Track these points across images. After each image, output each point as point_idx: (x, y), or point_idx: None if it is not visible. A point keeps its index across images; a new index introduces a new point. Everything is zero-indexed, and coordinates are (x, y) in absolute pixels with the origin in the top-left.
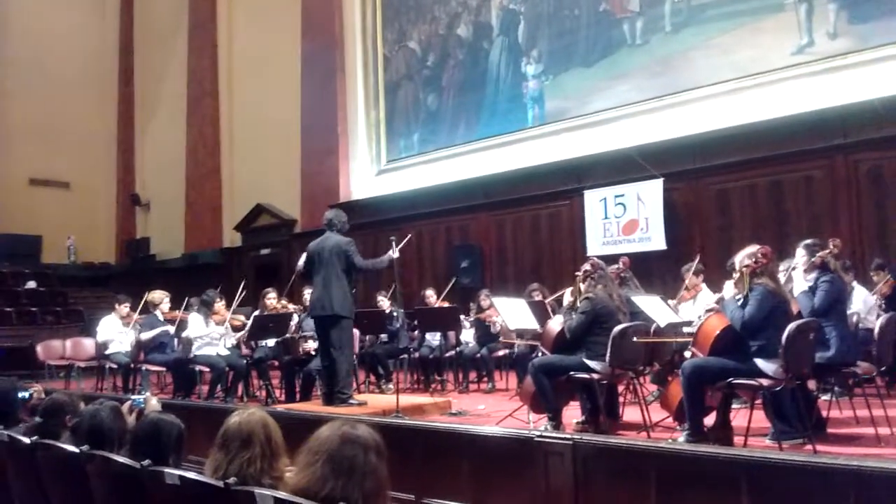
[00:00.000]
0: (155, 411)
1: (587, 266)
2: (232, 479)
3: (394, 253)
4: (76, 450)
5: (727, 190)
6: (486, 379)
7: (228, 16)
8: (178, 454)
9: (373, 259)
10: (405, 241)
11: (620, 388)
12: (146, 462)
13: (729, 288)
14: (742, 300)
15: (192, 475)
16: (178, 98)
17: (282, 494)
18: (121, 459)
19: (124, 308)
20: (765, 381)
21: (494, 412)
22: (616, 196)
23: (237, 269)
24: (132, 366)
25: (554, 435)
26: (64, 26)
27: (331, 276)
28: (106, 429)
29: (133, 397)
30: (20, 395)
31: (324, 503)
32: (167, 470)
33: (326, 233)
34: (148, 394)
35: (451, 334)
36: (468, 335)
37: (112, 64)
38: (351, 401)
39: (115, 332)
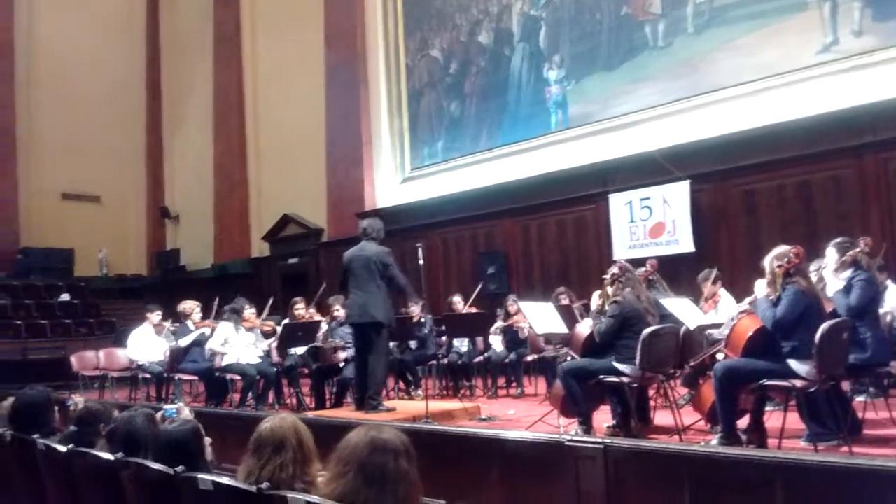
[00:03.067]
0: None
1: (615, 269)
2: (265, 484)
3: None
4: (111, 457)
5: (754, 191)
6: (515, 384)
7: (252, 29)
8: (202, 453)
9: (409, 286)
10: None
11: (651, 392)
12: (180, 468)
13: (761, 288)
14: (774, 300)
15: (225, 480)
16: (204, 111)
17: (314, 499)
18: (155, 466)
19: (156, 317)
20: (798, 383)
21: (524, 417)
22: (642, 199)
23: (266, 279)
24: (165, 375)
25: (584, 439)
26: (91, 44)
27: (370, 283)
28: (141, 436)
29: (165, 407)
30: (68, 403)
31: None
32: (200, 476)
33: (363, 242)
34: (181, 404)
35: (479, 340)
36: (496, 341)
37: (139, 79)
38: (381, 407)
39: (147, 342)
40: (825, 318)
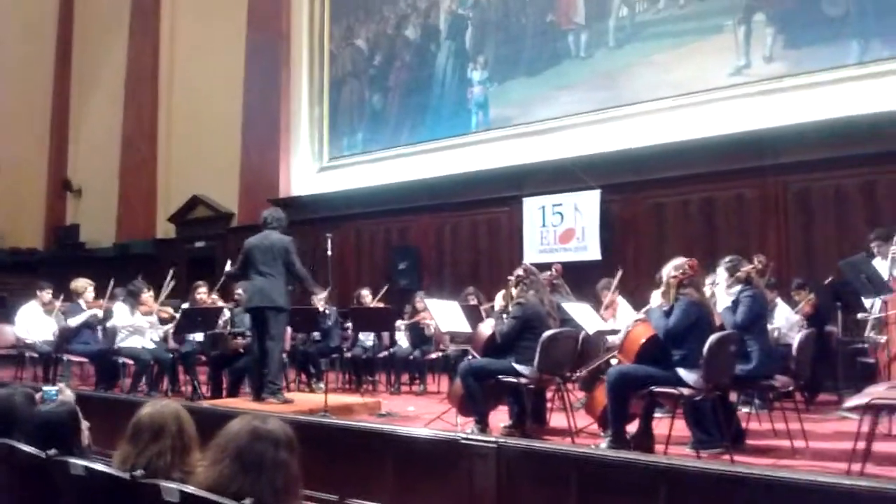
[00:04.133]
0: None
1: (519, 271)
2: (139, 472)
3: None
4: None
5: (662, 204)
6: (418, 381)
7: (172, 0)
8: (77, 437)
9: (309, 277)
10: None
11: (549, 394)
12: (52, 451)
13: (656, 298)
14: (668, 310)
15: (99, 466)
16: (116, 83)
17: (188, 488)
18: (26, 448)
19: (46, 295)
20: (685, 391)
21: (424, 414)
22: (554, 205)
23: (170, 262)
24: (54, 355)
25: (479, 438)
26: None
27: (272, 269)
28: (18, 415)
29: (45, 388)
30: None
31: (232, 499)
32: (72, 460)
33: (265, 231)
34: (62, 385)
35: (385, 335)
36: (402, 337)
37: (49, 43)
38: (279, 394)
39: (36, 320)
40: (715, 330)
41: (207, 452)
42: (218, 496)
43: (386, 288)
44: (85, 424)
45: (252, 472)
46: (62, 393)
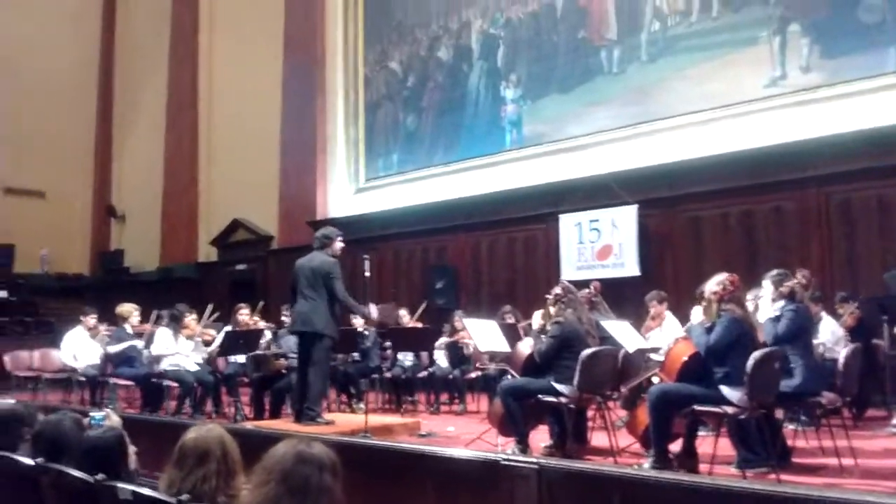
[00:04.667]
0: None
1: (557, 290)
2: (185, 496)
3: (372, 314)
4: (31, 462)
5: (700, 218)
6: (457, 401)
7: (210, 29)
8: (124, 462)
9: (353, 300)
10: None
11: (590, 413)
12: (100, 476)
13: (697, 314)
14: (709, 327)
15: (145, 491)
16: (157, 110)
17: None
18: (75, 473)
19: (91, 320)
20: (729, 409)
21: (464, 434)
22: (591, 221)
23: (212, 285)
24: (100, 379)
25: (520, 458)
26: (42, 33)
27: (314, 293)
28: (66, 441)
29: (92, 413)
30: None
31: None
32: (120, 485)
33: (314, 251)
34: (109, 410)
35: (424, 355)
36: (441, 356)
37: (92, 73)
38: (319, 419)
39: (82, 345)
40: (758, 347)
41: (252, 475)
42: None
43: (424, 307)
44: (132, 449)
45: (297, 496)
46: (109, 418)
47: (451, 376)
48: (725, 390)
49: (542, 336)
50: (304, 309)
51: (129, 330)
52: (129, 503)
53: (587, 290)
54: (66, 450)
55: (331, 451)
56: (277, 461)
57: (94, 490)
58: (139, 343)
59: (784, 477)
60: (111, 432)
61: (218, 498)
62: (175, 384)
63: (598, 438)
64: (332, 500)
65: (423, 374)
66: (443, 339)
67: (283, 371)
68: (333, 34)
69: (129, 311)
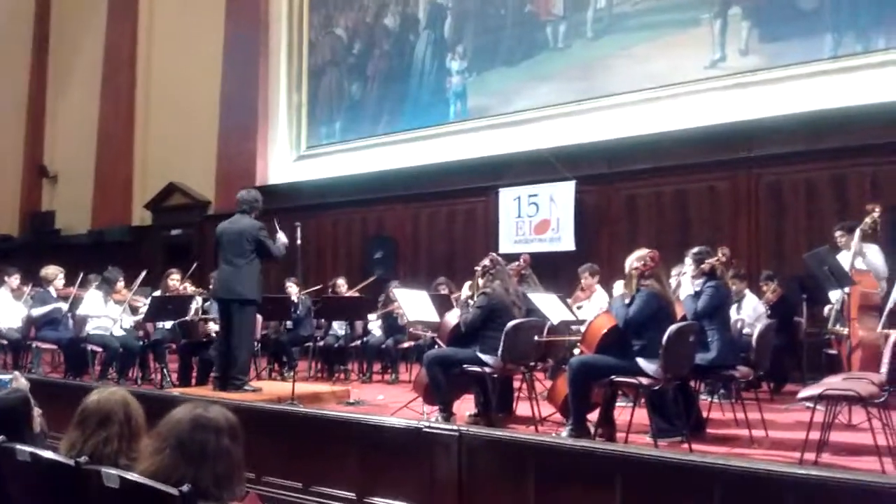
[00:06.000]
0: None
1: (486, 261)
2: (83, 458)
3: (282, 237)
4: None
5: (636, 195)
6: (390, 370)
7: None
8: (28, 424)
9: (276, 247)
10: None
11: (517, 383)
12: (1, 438)
13: (619, 288)
14: (629, 301)
15: (45, 452)
16: (93, 68)
17: (129, 475)
18: None
19: (14, 281)
20: (644, 380)
21: (393, 403)
22: (530, 195)
23: (146, 249)
24: (22, 342)
25: (442, 426)
26: None
27: (239, 258)
28: None
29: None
30: None
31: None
32: (19, 447)
33: (236, 214)
34: (16, 373)
35: (358, 324)
36: (376, 326)
37: (26, 29)
38: (246, 387)
39: (5, 306)
40: (675, 321)
41: (150, 440)
42: (157, 482)
43: (372, 280)
44: (37, 411)
45: (194, 462)
46: (16, 380)
47: (384, 346)
48: (642, 362)
49: (469, 306)
50: (225, 276)
51: (54, 293)
52: (27, 464)
53: (517, 263)
54: None
55: (229, 412)
56: (172, 427)
57: None
58: (63, 306)
59: (696, 446)
60: (15, 394)
61: (119, 461)
62: (100, 349)
63: (523, 408)
64: (231, 463)
65: (357, 343)
66: (378, 310)
67: (213, 335)
68: None
69: (54, 273)
